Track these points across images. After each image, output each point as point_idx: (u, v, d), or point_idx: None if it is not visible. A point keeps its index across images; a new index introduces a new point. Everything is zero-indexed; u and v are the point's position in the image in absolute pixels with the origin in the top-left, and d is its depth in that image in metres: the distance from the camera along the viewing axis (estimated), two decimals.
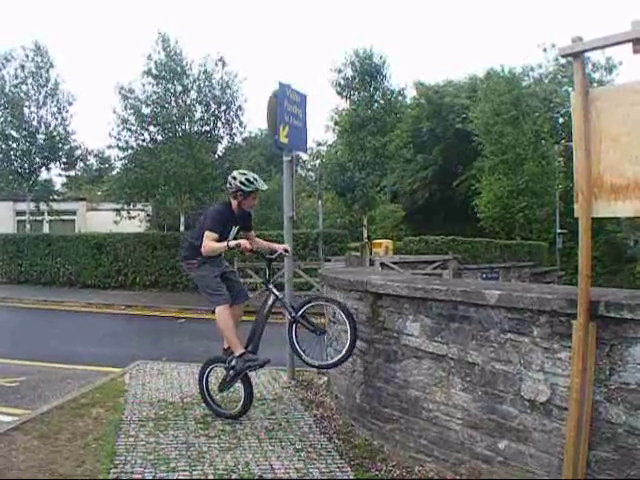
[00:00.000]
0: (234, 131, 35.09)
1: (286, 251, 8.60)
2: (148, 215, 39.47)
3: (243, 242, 8.01)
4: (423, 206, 54.60)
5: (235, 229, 8.42)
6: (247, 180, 8.11)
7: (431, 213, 52.92)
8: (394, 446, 6.63)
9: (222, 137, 35.35)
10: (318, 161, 55.71)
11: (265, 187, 8.50)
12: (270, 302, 8.43)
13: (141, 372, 10.89)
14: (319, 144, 56.99)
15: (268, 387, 9.81)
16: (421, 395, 6.22)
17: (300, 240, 27.94)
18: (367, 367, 7.20)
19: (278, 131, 9.54)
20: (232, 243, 7.99)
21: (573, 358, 4.56)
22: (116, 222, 35.06)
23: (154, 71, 33.05)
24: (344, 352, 7.29)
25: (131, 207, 35.37)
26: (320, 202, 35.49)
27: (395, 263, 23.23)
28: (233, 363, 8.02)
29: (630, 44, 4.35)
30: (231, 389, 8.41)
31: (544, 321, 4.92)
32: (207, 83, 33.72)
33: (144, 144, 33.53)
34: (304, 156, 50.83)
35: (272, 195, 39.78)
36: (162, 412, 8.34)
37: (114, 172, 43.54)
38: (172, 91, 33.31)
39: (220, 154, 35.83)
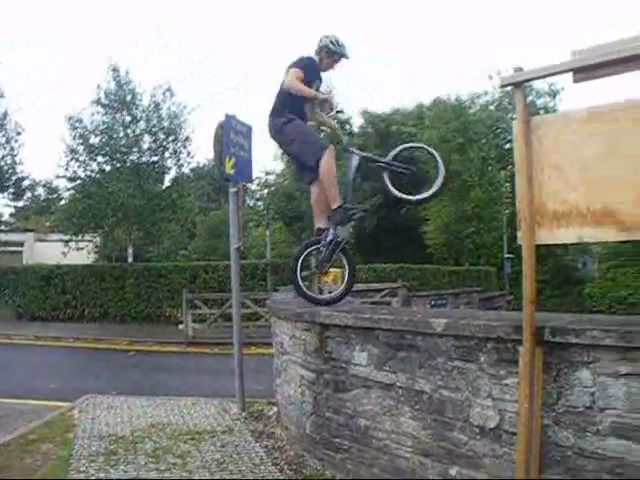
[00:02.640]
0: (181, 162, 35.09)
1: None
2: (96, 246, 39.23)
3: (330, 97, 8.03)
4: (371, 234, 54.62)
5: (316, 85, 8.20)
6: (337, 41, 8.08)
7: (379, 240, 52.90)
8: (346, 476, 6.60)
9: (170, 168, 35.32)
10: (266, 190, 55.70)
11: (349, 56, 8.32)
12: None
13: (90, 406, 10.74)
14: (267, 173, 57.10)
15: (218, 419, 9.69)
16: (371, 424, 6.21)
17: (248, 270, 27.97)
18: (316, 397, 7.18)
19: (224, 162, 9.53)
20: (321, 96, 8.01)
21: (520, 384, 4.59)
22: (64, 253, 34.80)
23: (103, 100, 33.05)
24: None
25: (79, 238, 35.15)
26: (268, 232, 35.55)
27: None
28: (330, 234, 7.86)
29: (570, 73, 4.43)
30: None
31: (491, 348, 4.96)
32: (156, 113, 33.71)
33: (92, 174, 33.41)
34: (252, 185, 50.86)
35: (220, 225, 39.80)
36: (112, 447, 8.20)
37: (62, 202, 43.32)
38: (121, 121, 33.29)
39: (168, 184, 35.74)
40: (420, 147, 8.46)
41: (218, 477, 7.05)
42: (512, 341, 4.74)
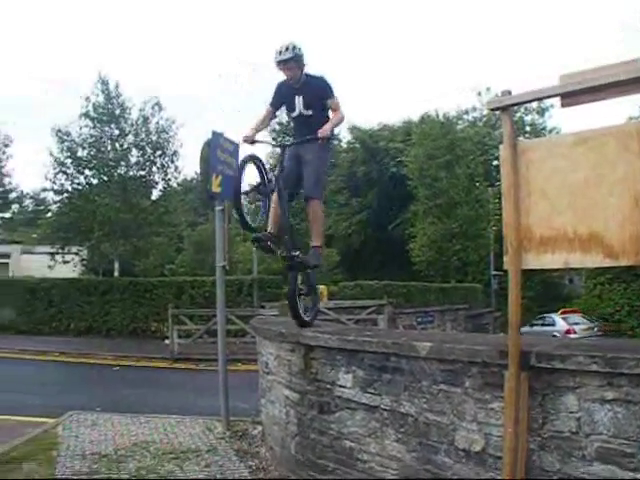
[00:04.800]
0: (169, 176, 35.11)
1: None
2: (83, 260, 39.19)
3: None
4: (358, 250, 54.67)
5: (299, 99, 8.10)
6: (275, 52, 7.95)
7: (366, 257, 53.01)
8: None
9: (157, 182, 35.33)
10: (253, 205, 55.72)
11: (286, 57, 7.97)
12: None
13: (75, 423, 10.69)
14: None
15: (203, 438, 9.67)
16: (356, 446, 6.16)
17: (234, 286, 27.93)
18: (301, 418, 7.14)
19: (210, 180, 9.49)
20: None
21: (506, 408, 4.56)
22: (50, 267, 34.78)
23: (92, 113, 33.07)
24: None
25: (65, 251, 35.14)
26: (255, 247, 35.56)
27: (330, 309, 23.22)
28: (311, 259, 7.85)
29: (558, 98, 4.43)
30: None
31: (476, 372, 4.93)
32: (144, 128, 33.72)
33: (79, 188, 33.42)
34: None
35: (207, 240, 39.75)
36: (95, 466, 8.14)
37: (49, 215, 43.31)
38: (109, 134, 33.31)
39: (155, 199, 35.72)
40: None
41: None
42: (497, 365, 4.72)
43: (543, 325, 34.37)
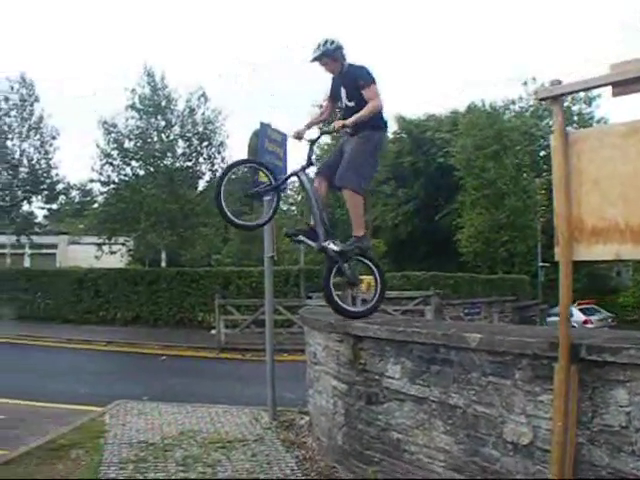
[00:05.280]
0: (216, 167, 35.16)
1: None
2: (129, 250, 39.40)
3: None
4: (405, 241, 54.40)
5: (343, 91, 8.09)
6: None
7: (413, 248, 52.76)
8: None
9: (204, 173, 35.42)
10: (300, 196, 55.57)
11: (316, 55, 8.03)
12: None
13: (121, 412, 10.76)
14: None
15: (250, 428, 9.66)
16: (403, 438, 6.15)
17: (281, 277, 27.90)
18: (349, 409, 7.13)
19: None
20: None
21: (555, 401, 4.51)
22: (97, 257, 34.99)
23: (138, 105, 33.22)
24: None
25: (112, 242, 35.35)
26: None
27: None
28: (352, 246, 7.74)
29: (609, 87, 4.37)
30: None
31: (525, 364, 4.88)
32: (190, 119, 33.81)
33: (126, 179, 33.58)
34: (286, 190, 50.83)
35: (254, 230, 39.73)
36: (142, 454, 8.19)
37: (96, 206, 43.53)
38: (155, 126, 33.42)
39: (202, 189, 35.80)
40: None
41: None
42: (547, 358, 4.66)
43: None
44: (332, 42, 7.91)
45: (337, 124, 7.77)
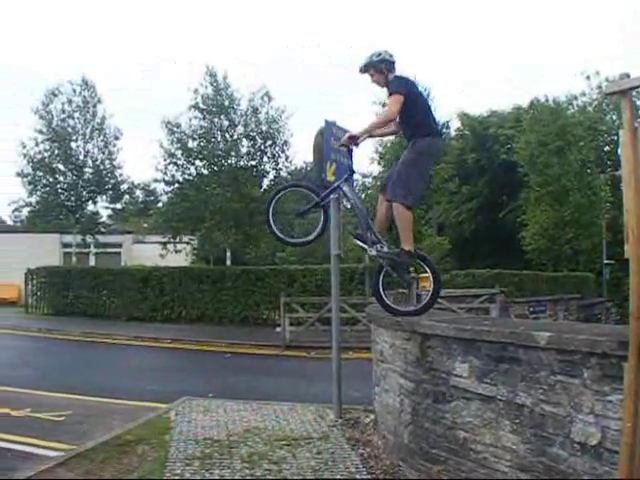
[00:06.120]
0: (280, 166, 35.30)
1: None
2: (194, 249, 39.68)
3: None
4: (469, 238, 54.20)
5: None
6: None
7: (477, 245, 52.52)
8: None
9: (268, 172, 35.55)
10: (364, 194, 55.55)
11: (360, 67, 8.22)
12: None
13: (187, 409, 10.90)
14: (364, 176, 56.80)
15: (314, 425, 9.70)
16: (470, 436, 6.13)
17: (346, 275, 27.82)
18: (415, 407, 7.13)
19: (325, 169, 9.50)
20: None
21: (624, 401, 4.47)
22: (162, 255, 35.31)
23: (201, 105, 33.45)
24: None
25: (177, 240, 35.62)
26: None
27: (442, 298, 23.04)
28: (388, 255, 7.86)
29: None
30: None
31: (594, 363, 4.83)
32: (254, 118, 33.95)
33: (190, 178, 33.82)
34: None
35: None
36: (208, 450, 8.29)
37: (160, 205, 43.93)
38: (218, 125, 33.61)
39: (266, 188, 35.93)
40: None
41: None
42: (617, 357, 4.62)
43: None
44: (379, 54, 8.04)
45: (346, 137, 8.02)
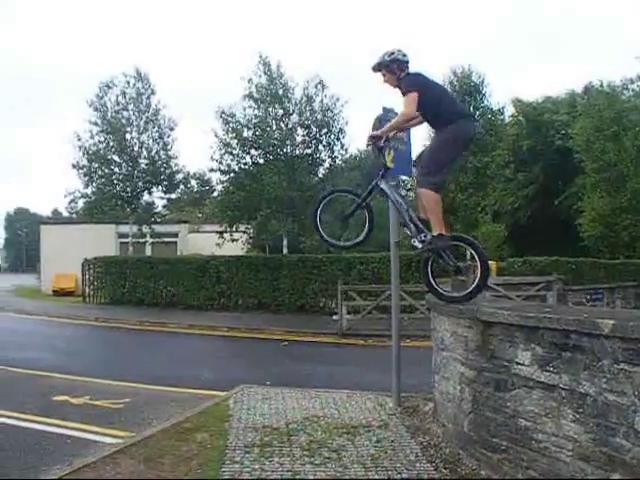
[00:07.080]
0: (335, 154, 35.31)
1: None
2: (250, 237, 39.81)
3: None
4: (525, 225, 53.71)
5: None
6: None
7: (533, 232, 51.97)
8: (502, 477, 6.54)
9: (324, 160, 35.57)
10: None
11: (373, 67, 8.29)
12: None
13: (245, 396, 10.97)
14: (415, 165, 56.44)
15: (374, 413, 9.72)
16: (531, 425, 6.11)
17: (403, 262, 27.74)
18: (476, 396, 7.12)
19: (384, 154, 9.50)
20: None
21: None
22: (219, 244, 35.51)
23: (255, 95, 33.55)
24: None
25: (233, 229, 35.76)
26: None
27: (498, 285, 22.91)
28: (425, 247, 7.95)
29: None
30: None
31: None
32: (308, 107, 33.97)
33: (246, 167, 33.94)
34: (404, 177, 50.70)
35: (375, 216, 39.78)
36: (267, 438, 8.36)
37: (215, 194, 44.13)
38: (273, 114, 33.67)
39: (322, 177, 35.94)
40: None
41: (373, 473, 7.07)
42: None
43: None
44: (391, 53, 8.08)
45: (368, 136, 8.24)
